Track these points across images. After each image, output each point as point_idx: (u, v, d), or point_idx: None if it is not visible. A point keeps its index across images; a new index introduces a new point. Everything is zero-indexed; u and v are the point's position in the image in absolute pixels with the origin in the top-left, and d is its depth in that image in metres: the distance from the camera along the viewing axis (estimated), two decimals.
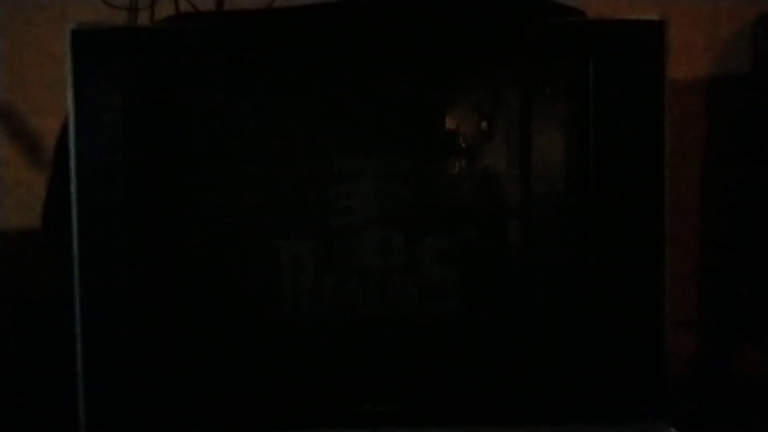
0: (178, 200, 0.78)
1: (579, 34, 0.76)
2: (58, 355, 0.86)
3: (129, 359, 0.76)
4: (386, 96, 0.80)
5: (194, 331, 0.79)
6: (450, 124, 0.80)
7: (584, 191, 0.77)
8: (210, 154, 0.79)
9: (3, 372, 0.93)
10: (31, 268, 1.01)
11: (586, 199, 0.76)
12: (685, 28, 1.10)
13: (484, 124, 0.80)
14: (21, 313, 0.95)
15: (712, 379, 1.12)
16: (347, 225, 0.80)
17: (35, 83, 1.11)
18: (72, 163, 0.75)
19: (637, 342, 0.77)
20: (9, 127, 1.12)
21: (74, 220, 0.75)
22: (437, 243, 0.80)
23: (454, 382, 0.79)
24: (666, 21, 0.76)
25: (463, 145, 0.80)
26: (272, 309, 0.80)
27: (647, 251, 0.76)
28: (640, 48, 0.75)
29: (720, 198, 1.13)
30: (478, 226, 0.81)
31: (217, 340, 0.80)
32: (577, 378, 0.78)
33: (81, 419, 0.76)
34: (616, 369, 0.77)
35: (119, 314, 0.75)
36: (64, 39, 0.74)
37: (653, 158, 0.76)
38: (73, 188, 0.75)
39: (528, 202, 0.81)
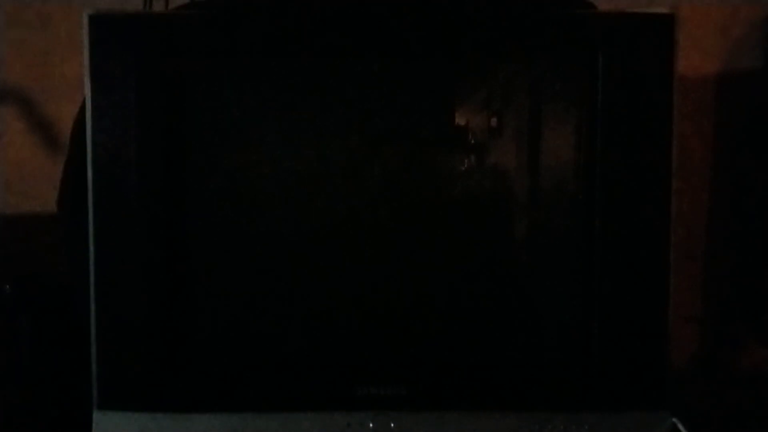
0: (191, 182, 0.79)
1: (588, 27, 0.76)
2: (71, 336, 0.88)
3: (141, 339, 0.77)
4: (395, 89, 0.80)
5: (204, 312, 0.81)
6: (458, 117, 0.81)
7: (591, 185, 0.77)
8: (222, 137, 0.80)
9: (18, 352, 0.94)
10: (44, 251, 1.03)
11: (593, 192, 0.77)
12: (696, 23, 1.10)
13: (492, 119, 0.80)
14: (35, 295, 0.97)
15: (716, 374, 1.13)
16: (352, 217, 0.81)
17: (51, 70, 1.12)
18: (88, 146, 0.76)
19: (641, 334, 0.77)
20: (24, 113, 1.13)
21: (90, 201, 0.76)
22: (446, 235, 0.81)
23: (457, 368, 0.80)
24: (675, 15, 0.75)
25: (471, 138, 0.80)
26: (281, 292, 0.81)
27: (653, 246, 0.77)
28: (650, 42, 0.75)
29: (728, 194, 1.13)
30: (485, 218, 0.82)
31: (226, 322, 0.81)
32: (581, 367, 0.79)
33: (93, 398, 0.77)
34: (619, 359, 0.77)
35: (132, 294, 0.77)
36: (81, 25, 0.75)
37: (661, 153, 0.76)
38: (89, 170, 0.76)
39: (535, 195, 0.81)
